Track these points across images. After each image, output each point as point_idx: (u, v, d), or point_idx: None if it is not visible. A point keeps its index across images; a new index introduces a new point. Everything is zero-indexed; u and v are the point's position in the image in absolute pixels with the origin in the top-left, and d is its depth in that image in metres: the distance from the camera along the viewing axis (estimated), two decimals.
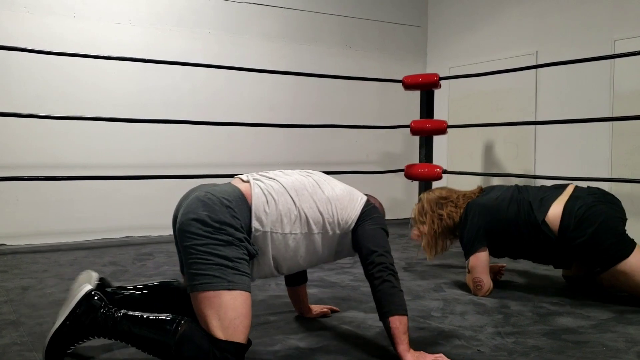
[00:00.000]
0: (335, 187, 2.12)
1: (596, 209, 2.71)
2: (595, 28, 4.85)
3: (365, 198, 2.16)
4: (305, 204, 2.00)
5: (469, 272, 2.91)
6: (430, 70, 6.44)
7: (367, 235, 2.04)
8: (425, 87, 5.10)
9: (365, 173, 5.44)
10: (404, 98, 6.13)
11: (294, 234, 1.98)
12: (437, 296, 2.86)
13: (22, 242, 4.46)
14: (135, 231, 4.92)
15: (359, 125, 5.57)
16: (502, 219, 2.86)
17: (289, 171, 2.17)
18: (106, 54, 4.47)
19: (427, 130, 5.08)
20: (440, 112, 6.20)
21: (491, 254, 2.95)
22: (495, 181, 5.67)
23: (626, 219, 2.81)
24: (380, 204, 2.28)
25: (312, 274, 3.23)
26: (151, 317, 1.79)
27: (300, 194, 2.02)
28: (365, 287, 2.97)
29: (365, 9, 6.13)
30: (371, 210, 2.11)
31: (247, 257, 1.86)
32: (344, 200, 2.09)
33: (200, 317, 1.77)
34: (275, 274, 2.05)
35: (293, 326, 2.37)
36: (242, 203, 1.90)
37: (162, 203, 5.00)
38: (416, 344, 2.16)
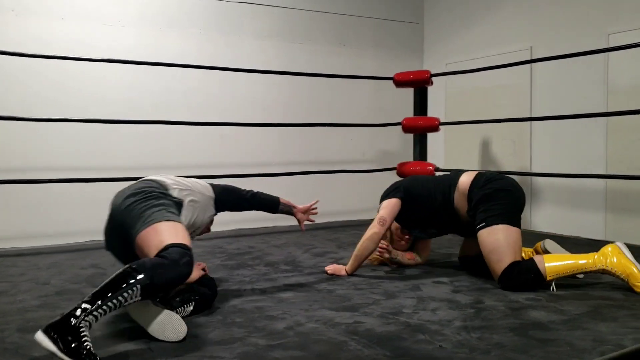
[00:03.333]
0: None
1: (507, 180, 3.06)
2: (589, 22, 4.77)
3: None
4: (192, 184, 2.73)
5: (378, 211, 3.20)
6: (427, 67, 6.39)
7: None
8: (417, 84, 5.05)
9: (359, 172, 5.41)
10: (400, 96, 6.08)
11: (192, 190, 2.68)
12: (412, 294, 2.81)
13: (8, 245, 4.44)
14: None
15: (351, 123, 5.53)
16: (421, 186, 3.21)
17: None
18: (96, 57, 4.49)
19: (419, 128, 5.03)
20: (437, 110, 6.15)
21: (402, 224, 3.31)
22: None
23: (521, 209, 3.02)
24: None
25: (290, 278, 3.21)
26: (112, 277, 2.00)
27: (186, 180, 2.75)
28: (342, 290, 2.94)
29: (360, 6, 6.10)
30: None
31: (173, 205, 2.45)
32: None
33: (149, 245, 2.20)
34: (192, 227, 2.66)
35: (258, 325, 2.34)
36: (150, 182, 2.54)
37: None
38: (380, 339, 2.13)
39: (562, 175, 4.56)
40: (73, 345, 1.79)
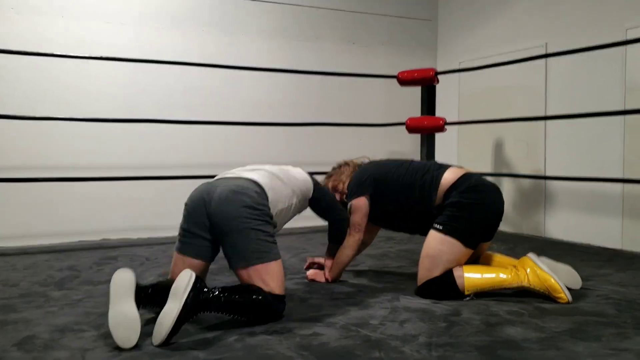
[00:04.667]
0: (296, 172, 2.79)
1: (489, 191, 2.81)
2: (606, 16, 4.48)
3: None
4: (289, 183, 2.64)
5: (349, 214, 2.93)
6: (440, 65, 6.16)
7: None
8: (423, 83, 4.83)
9: None
10: (412, 95, 5.86)
11: (290, 204, 2.62)
12: (387, 305, 2.61)
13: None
14: (114, 233, 4.81)
15: (356, 123, 5.34)
16: (394, 180, 2.88)
17: (258, 165, 2.74)
18: (96, 55, 4.42)
19: (423, 128, 4.81)
20: (450, 109, 5.93)
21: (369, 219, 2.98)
22: (505, 182, 5.34)
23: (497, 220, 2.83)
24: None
25: None
26: (241, 288, 2.26)
27: (283, 176, 2.64)
28: (316, 299, 2.78)
29: (371, 4, 5.91)
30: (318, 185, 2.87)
31: (274, 230, 2.44)
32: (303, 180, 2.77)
33: (257, 281, 2.29)
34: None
35: (209, 335, 2.20)
36: (261, 190, 2.44)
37: (152, 204, 4.94)
38: (329, 355, 1.96)
39: (577, 179, 4.26)
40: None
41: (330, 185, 3.09)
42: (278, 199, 2.52)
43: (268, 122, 5.01)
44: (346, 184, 3.03)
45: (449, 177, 2.79)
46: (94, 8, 4.81)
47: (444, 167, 2.88)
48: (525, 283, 2.63)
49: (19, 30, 4.54)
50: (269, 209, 2.42)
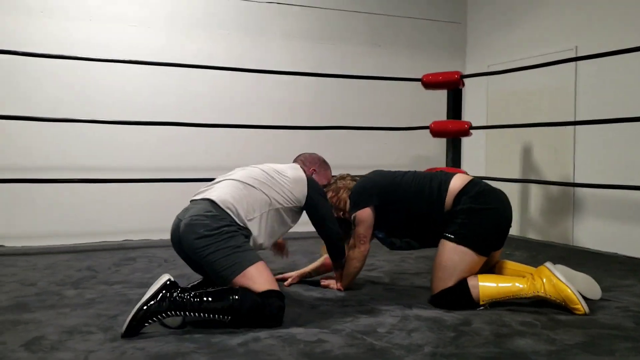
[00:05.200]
0: (284, 171, 2.76)
1: (498, 196, 2.73)
2: (638, 19, 4.34)
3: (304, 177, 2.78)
4: (266, 187, 2.66)
5: (354, 225, 2.85)
6: (469, 68, 6.06)
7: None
8: (447, 86, 4.76)
9: None
10: (439, 99, 5.77)
11: (272, 207, 2.64)
12: (398, 313, 2.57)
13: (26, 243, 4.50)
14: (136, 234, 4.87)
15: (378, 126, 5.27)
16: (400, 188, 2.81)
17: (238, 171, 2.81)
18: (122, 57, 4.49)
19: (448, 132, 4.73)
20: (478, 113, 5.83)
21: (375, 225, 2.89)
22: (532, 188, 5.21)
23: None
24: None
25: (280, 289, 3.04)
26: (214, 290, 2.31)
27: (256, 181, 2.66)
28: (326, 306, 2.74)
29: (396, 6, 5.85)
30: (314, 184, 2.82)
31: (247, 240, 2.50)
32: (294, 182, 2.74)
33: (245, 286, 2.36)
34: (260, 248, 2.66)
35: (213, 339, 2.19)
36: (218, 209, 2.49)
37: (175, 206, 4.96)
38: None
39: (607, 186, 4.11)
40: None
41: (333, 200, 3.00)
42: (251, 206, 2.56)
43: (291, 126, 5.00)
44: (346, 201, 2.95)
45: (457, 183, 2.73)
46: (121, 12, 4.89)
47: (450, 174, 2.82)
48: (541, 292, 2.55)
49: (47, 33, 4.65)
50: (234, 222, 2.48)
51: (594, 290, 2.73)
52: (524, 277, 2.66)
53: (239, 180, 2.66)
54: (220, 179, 2.76)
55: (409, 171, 2.93)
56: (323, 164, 3.16)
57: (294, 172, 2.79)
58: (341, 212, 2.97)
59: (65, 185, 4.51)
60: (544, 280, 2.56)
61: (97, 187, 4.65)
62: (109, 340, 2.17)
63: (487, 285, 2.59)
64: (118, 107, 4.81)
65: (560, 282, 2.52)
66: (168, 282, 2.25)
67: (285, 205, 2.69)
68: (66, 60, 4.40)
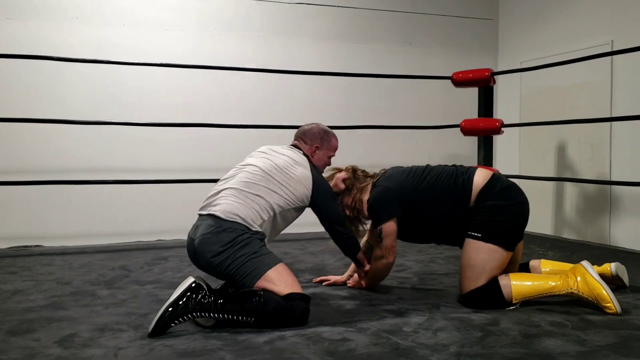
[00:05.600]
0: (288, 169, 2.66)
1: (519, 191, 2.74)
2: None
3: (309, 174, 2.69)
4: (268, 190, 2.60)
5: (380, 239, 2.77)
6: (501, 65, 5.98)
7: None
8: (478, 84, 4.71)
9: None
10: (471, 97, 5.71)
11: (266, 218, 2.58)
12: (425, 313, 2.55)
13: (65, 243, 4.63)
14: (169, 234, 4.94)
15: (409, 125, 5.24)
16: (420, 190, 2.75)
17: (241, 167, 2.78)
18: (156, 61, 4.58)
19: (479, 130, 4.68)
20: (511, 111, 5.75)
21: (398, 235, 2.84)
22: (568, 187, 5.11)
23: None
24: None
25: (306, 289, 3.04)
26: (238, 292, 2.34)
27: (258, 186, 2.60)
28: (352, 304, 2.74)
29: (428, 4, 5.81)
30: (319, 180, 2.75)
31: (263, 243, 2.50)
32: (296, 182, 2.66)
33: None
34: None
35: (239, 337, 2.22)
36: (227, 223, 2.47)
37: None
38: None
39: None
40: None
41: (349, 202, 2.91)
42: (256, 214, 2.53)
43: None
44: (362, 202, 2.87)
45: (479, 179, 2.71)
46: (153, 16, 4.97)
47: (471, 169, 2.79)
48: (574, 290, 2.52)
49: (83, 39, 4.76)
50: (246, 229, 2.46)
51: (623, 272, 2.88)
52: (557, 275, 2.63)
53: (239, 189, 2.59)
54: (221, 187, 2.68)
55: (426, 167, 2.87)
56: (325, 136, 2.89)
57: (300, 171, 2.67)
58: (356, 212, 2.91)
59: (100, 186, 4.62)
60: (578, 278, 2.53)
61: (131, 188, 4.74)
62: (138, 337, 2.21)
63: (520, 284, 2.57)
64: (151, 109, 4.90)
65: (595, 280, 2.49)
66: (193, 285, 2.29)
67: (287, 207, 2.63)
68: (100, 64, 4.52)
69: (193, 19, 5.10)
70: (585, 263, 2.58)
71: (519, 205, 2.66)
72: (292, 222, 2.77)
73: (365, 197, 2.86)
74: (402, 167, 2.96)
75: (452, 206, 2.71)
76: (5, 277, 3.36)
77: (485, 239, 2.59)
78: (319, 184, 2.72)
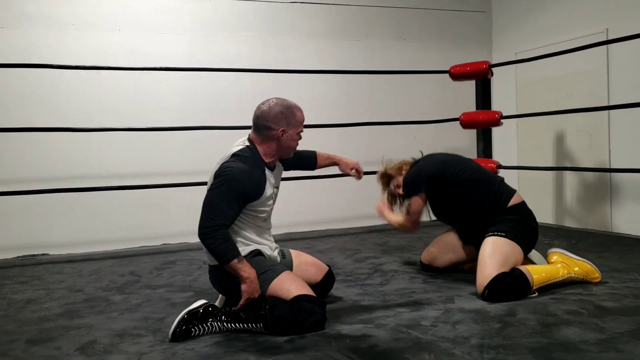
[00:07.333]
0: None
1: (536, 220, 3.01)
2: None
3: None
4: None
5: (407, 212, 3.06)
6: (496, 57, 6.01)
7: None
8: (476, 77, 4.73)
9: None
10: (466, 90, 5.74)
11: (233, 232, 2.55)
12: (441, 306, 2.57)
13: (70, 251, 4.61)
14: (174, 238, 4.94)
15: (409, 120, 5.26)
16: (459, 165, 3.04)
17: None
18: (152, 65, 4.57)
19: (478, 123, 4.70)
20: (507, 102, 5.77)
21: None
22: (568, 175, 5.15)
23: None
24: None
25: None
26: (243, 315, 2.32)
27: None
28: (368, 300, 2.76)
29: None
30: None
31: (262, 257, 2.52)
32: None
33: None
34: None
35: (260, 338, 2.23)
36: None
37: None
38: (379, 357, 1.95)
39: None
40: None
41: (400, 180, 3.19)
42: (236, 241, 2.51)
43: (320, 124, 5.01)
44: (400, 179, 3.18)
45: (516, 198, 2.98)
46: (147, 20, 4.96)
47: (511, 189, 3.05)
48: (572, 273, 2.80)
49: (79, 45, 4.73)
50: (240, 258, 2.38)
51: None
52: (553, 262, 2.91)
53: None
54: None
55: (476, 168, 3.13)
56: (288, 113, 2.68)
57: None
58: (400, 189, 3.17)
59: (103, 192, 4.60)
60: (567, 263, 2.84)
61: (133, 193, 4.72)
62: (158, 342, 2.22)
63: (536, 272, 2.72)
64: (150, 113, 4.88)
65: (579, 260, 2.86)
66: (205, 306, 2.33)
67: (242, 221, 2.58)
68: (97, 70, 4.51)
69: (188, 21, 5.09)
70: (558, 249, 2.94)
71: (534, 230, 2.95)
72: (260, 212, 2.60)
73: (401, 177, 3.18)
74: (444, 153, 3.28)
75: (492, 198, 2.95)
76: (16, 287, 3.35)
77: (509, 237, 2.80)
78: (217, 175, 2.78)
